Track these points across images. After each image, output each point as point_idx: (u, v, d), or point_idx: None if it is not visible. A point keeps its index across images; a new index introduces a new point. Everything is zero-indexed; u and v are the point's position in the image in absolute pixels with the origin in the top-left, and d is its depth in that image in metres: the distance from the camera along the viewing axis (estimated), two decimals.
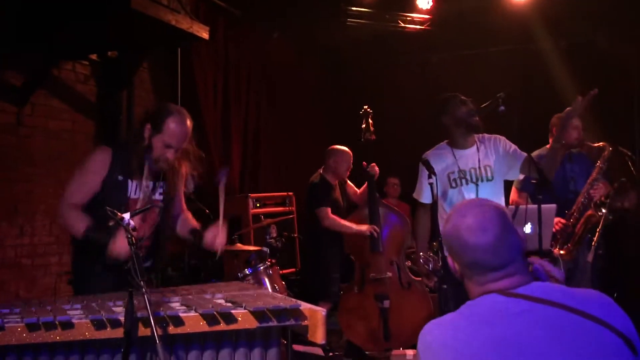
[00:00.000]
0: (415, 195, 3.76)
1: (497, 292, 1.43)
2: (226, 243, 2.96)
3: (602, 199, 4.11)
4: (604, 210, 4.04)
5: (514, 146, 3.57)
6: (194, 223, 3.08)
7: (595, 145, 4.26)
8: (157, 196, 2.89)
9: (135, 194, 2.81)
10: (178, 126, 2.77)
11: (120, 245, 2.55)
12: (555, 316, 1.34)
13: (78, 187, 2.78)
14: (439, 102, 3.66)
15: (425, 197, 3.62)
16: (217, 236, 2.87)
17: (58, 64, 4.66)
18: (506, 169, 3.56)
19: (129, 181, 2.80)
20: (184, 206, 3.13)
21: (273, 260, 4.42)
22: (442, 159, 3.56)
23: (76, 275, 2.95)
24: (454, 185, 3.52)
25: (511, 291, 1.41)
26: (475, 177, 3.51)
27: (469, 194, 3.48)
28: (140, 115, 2.99)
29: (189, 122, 2.84)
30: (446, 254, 3.34)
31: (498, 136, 3.66)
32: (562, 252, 4.08)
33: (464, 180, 3.50)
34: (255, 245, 4.99)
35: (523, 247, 1.49)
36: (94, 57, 4.94)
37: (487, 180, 3.51)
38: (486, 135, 3.64)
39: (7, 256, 4.32)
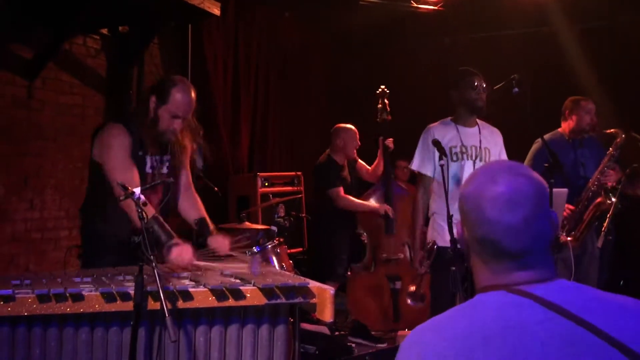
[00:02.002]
0: (414, 166, 3.66)
1: (505, 288, 1.16)
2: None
3: (614, 185, 4.08)
4: (613, 199, 4.00)
5: (504, 149, 3.71)
6: (201, 210, 3.03)
7: (608, 131, 4.22)
8: (165, 170, 2.89)
9: (150, 168, 2.81)
10: (183, 96, 2.77)
11: (182, 253, 2.50)
12: (573, 334, 1.07)
13: (125, 166, 2.68)
14: (453, 76, 3.68)
15: (428, 169, 3.58)
16: (222, 246, 2.84)
17: (69, 38, 4.64)
18: None
19: (146, 157, 2.79)
20: (190, 181, 3.11)
21: (281, 239, 4.42)
22: (446, 131, 3.58)
23: (85, 247, 2.96)
24: (454, 158, 3.53)
25: (523, 289, 1.14)
26: (475, 155, 3.56)
27: (468, 170, 3.49)
28: (145, 89, 2.97)
29: (193, 93, 2.84)
30: (454, 222, 3.34)
31: (497, 130, 3.75)
32: (569, 238, 4.05)
33: (465, 155, 3.54)
34: (263, 224, 5.00)
35: (552, 236, 1.21)
36: (104, 31, 4.92)
37: (485, 162, 3.55)
38: (487, 124, 3.71)
39: (17, 230, 4.34)
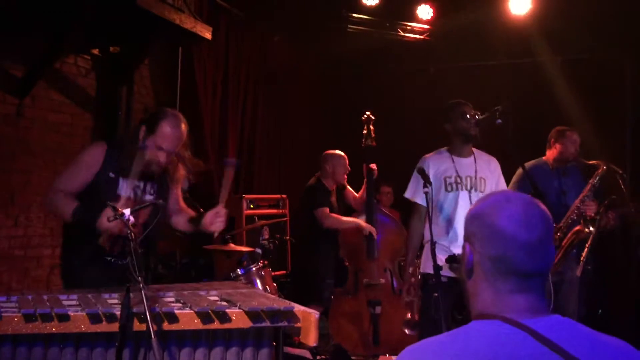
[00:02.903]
0: (408, 195, 3.71)
1: (501, 318, 1.17)
2: (225, 227, 2.95)
3: (592, 216, 4.16)
4: (592, 228, 4.08)
5: (502, 176, 3.75)
6: (191, 213, 3.12)
7: (590, 162, 4.32)
8: (147, 197, 2.91)
9: (125, 192, 2.81)
10: (171, 129, 2.80)
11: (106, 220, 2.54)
12: None
13: (69, 177, 2.84)
14: (445, 108, 3.74)
15: (421, 199, 3.60)
16: (216, 217, 2.87)
17: (60, 57, 4.67)
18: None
19: (120, 179, 2.82)
20: (182, 204, 3.16)
21: (265, 262, 4.45)
22: (441, 161, 3.63)
23: (65, 266, 2.96)
24: (449, 189, 3.57)
25: (520, 320, 1.16)
26: (471, 185, 3.59)
27: (463, 200, 3.54)
28: (140, 114, 3.03)
29: (183, 127, 2.86)
30: (451, 250, 3.36)
31: (494, 158, 3.80)
32: None
33: (459, 186, 3.58)
34: (247, 246, 5.02)
35: (550, 266, 1.24)
36: (95, 51, 4.96)
37: (480, 192, 3.59)
38: (483, 153, 3.77)
39: (1, 247, 4.32)
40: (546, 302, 1.22)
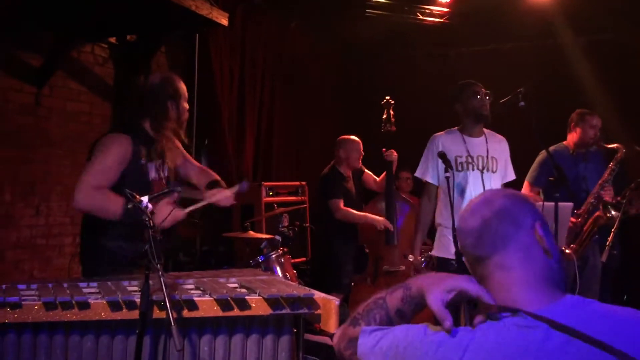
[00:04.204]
0: (418, 174, 3.68)
1: (520, 313, 1.19)
2: (229, 205, 2.99)
3: (611, 201, 4.08)
4: (613, 212, 4.00)
5: (509, 158, 3.74)
6: (214, 176, 3.09)
7: (609, 146, 4.23)
8: (165, 173, 2.93)
9: (154, 174, 2.83)
10: (182, 85, 2.96)
11: (164, 212, 2.61)
12: (589, 355, 1.13)
13: (101, 171, 2.68)
14: (455, 89, 3.69)
15: (432, 177, 3.59)
16: (221, 193, 2.92)
17: (77, 46, 4.68)
18: (504, 173, 3.67)
19: (149, 164, 2.82)
20: (201, 165, 3.21)
21: (285, 249, 4.43)
22: (452, 141, 3.59)
23: (87, 254, 2.93)
24: (460, 168, 3.53)
25: (538, 313, 1.18)
26: (482, 165, 3.56)
27: (475, 180, 3.50)
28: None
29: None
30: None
31: (504, 139, 3.77)
32: (567, 251, 4.05)
33: (470, 166, 3.54)
34: (267, 233, 5.01)
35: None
36: (112, 40, 4.96)
37: (492, 172, 3.57)
38: (494, 133, 3.73)
39: (23, 236, 4.36)
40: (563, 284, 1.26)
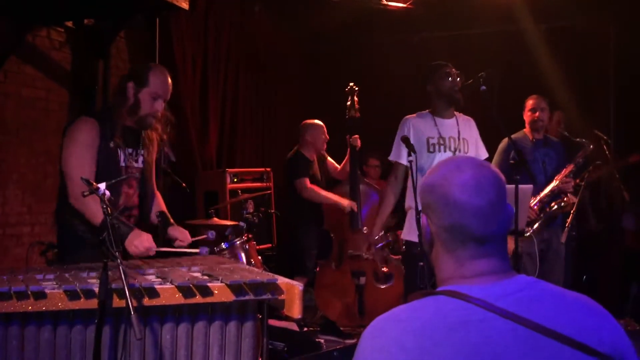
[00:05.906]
0: (393, 157, 3.64)
1: (455, 295, 1.17)
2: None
3: (572, 190, 4.17)
4: (575, 197, 4.10)
5: (479, 137, 3.74)
6: (162, 204, 3.10)
7: (576, 140, 4.31)
8: (140, 164, 2.88)
9: (123, 161, 2.78)
10: (163, 76, 2.82)
11: (140, 241, 2.58)
12: (530, 337, 1.13)
13: (81, 163, 2.66)
14: (427, 70, 3.69)
15: (404, 159, 3.54)
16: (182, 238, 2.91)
17: (32, 30, 4.53)
18: (475, 153, 3.67)
19: (119, 149, 2.77)
20: (155, 184, 3.11)
21: (250, 235, 4.41)
22: (423, 123, 3.60)
23: (62, 246, 2.91)
24: (431, 150, 3.55)
25: (482, 298, 1.17)
26: (454, 147, 3.58)
27: None
28: (118, 80, 2.94)
29: (169, 75, 2.88)
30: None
31: (471, 119, 3.78)
32: (527, 233, 4.11)
33: (442, 147, 3.56)
34: (231, 220, 4.97)
35: (509, 227, 1.27)
36: (69, 24, 4.81)
37: (465, 153, 3.59)
38: (463, 115, 3.74)
39: None
40: (508, 262, 1.24)
